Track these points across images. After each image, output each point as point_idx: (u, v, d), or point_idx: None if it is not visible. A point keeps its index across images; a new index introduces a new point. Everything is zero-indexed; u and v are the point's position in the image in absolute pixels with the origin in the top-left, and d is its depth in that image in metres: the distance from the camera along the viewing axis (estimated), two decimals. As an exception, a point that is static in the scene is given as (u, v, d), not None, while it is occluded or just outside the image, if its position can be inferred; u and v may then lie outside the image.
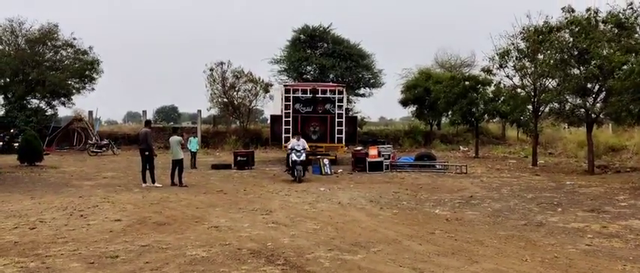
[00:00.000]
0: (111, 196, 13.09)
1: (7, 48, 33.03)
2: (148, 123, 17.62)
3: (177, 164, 15.67)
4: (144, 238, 8.25)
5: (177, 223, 9.51)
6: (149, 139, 15.76)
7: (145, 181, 15.48)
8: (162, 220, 9.88)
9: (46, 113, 34.69)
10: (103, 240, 8.09)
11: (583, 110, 19.38)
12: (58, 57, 34.87)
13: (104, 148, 30.63)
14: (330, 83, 30.18)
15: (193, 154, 22.11)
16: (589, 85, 18.89)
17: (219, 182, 16.53)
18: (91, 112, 36.39)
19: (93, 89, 36.19)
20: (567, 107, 20.21)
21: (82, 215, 10.34)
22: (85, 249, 7.50)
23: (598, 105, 19.11)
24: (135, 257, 7.04)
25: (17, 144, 24.30)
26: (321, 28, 39.08)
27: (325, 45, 38.95)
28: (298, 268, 6.55)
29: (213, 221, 9.74)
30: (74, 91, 35.17)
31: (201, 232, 8.77)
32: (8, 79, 32.84)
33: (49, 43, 33.91)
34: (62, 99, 35.23)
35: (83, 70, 34.81)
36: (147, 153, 15.59)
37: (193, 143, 22.71)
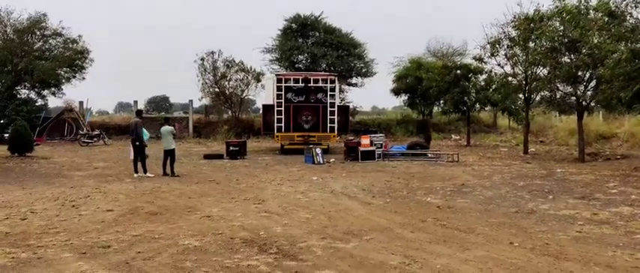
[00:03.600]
0: (102, 187, 13.03)
1: (-5, 38, 32.68)
2: (139, 113, 17.52)
3: (169, 154, 15.63)
4: (136, 228, 8.23)
5: (169, 213, 9.49)
6: (139, 129, 15.72)
7: (136, 172, 15.44)
8: (154, 209, 9.86)
9: (36, 103, 34.47)
10: (95, 230, 8.07)
11: (574, 98, 19.48)
12: (46, 46, 34.56)
13: (95, 139, 30.54)
14: (322, 72, 30.15)
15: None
16: (580, 73, 18.95)
17: (211, 172, 16.49)
18: (81, 103, 36.20)
19: (83, 78, 35.94)
20: (558, 95, 20.32)
21: (73, 205, 10.30)
22: (76, 239, 7.47)
23: (588, 93, 19.21)
24: (127, 247, 7.03)
25: (7, 135, 24.10)
26: (313, 17, 38.96)
27: (317, 34, 38.85)
28: (291, 257, 6.56)
29: (205, 211, 9.72)
30: (64, 80, 34.91)
31: (193, 221, 8.76)
32: (-4, 69, 32.54)
33: (37, 33, 33.58)
34: (52, 89, 34.98)
35: (72, 59, 34.53)
36: (138, 143, 15.57)
37: (146, 135, 21.05)
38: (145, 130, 20.03)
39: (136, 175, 15.29)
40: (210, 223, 8.65)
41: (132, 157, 16.08)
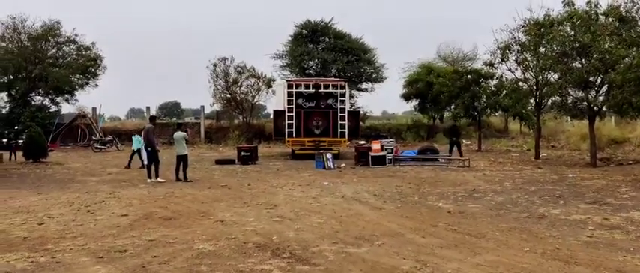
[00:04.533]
0: (117, 192, 13.22)
1: (9, 45, 33.19)
2: (152, 119, 17.72)
3: (182, 160, 15.79)
4: (151, 232, 8.37)
5: (183, 218, 9.63)
6: (150, 135, 15.86)
7: (150, 177, 15.61)
8: (168, 215, 10.00)
9: (50, 110, 34.91)
10: (111, 235, 8.21)
11: (585, 103, 19.42)
12: (60, 53, 35.06)
13: (108, 145, 30.87)
14: (333, 78, 30.26)
15: (135, 153, 19.83)
16: (591, 78, 18.91)
17: (223, 177, 16.64)
18: (94, 109, 36.61)
19: (96, 85, 36.48)
20: (569, 100, 20.27)
21: (89, 211, 10.47)
22: (93, 243, 7.62)
23: (600, 98, 19.16)
24: (143, 251, 7.16)
25: (21, 141, 24.44)
26: (323, 23, 39.14)
27: (327, 40, 39.02)
28: (303, 261, 6.66)
29: (218, 216, 9.85)
30: (77, 87, 35.38)
31: (207, 226, 8.89)
32: (12, 76, 33.04)
33: (51, 40, 34.08)
34: (66, 95, 35.45)
35: (86, 66, 35.01)
36: (149, 149, 15.72)
37: (135, 142, 19.99)
38: (137, 137, 19.94)
39: (149, 180, 15.45)
40: (224, 227, 8.77)
41: (146, 162, 16.18)
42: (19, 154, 23.02)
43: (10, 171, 18.95)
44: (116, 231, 8.52)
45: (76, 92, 35.77)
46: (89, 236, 8.12)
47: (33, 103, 34.04)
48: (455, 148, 23.66)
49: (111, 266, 6.44)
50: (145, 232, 8.43)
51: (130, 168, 19.44)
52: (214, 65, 35.42)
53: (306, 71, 37.95)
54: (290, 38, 39.82)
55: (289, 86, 23.77)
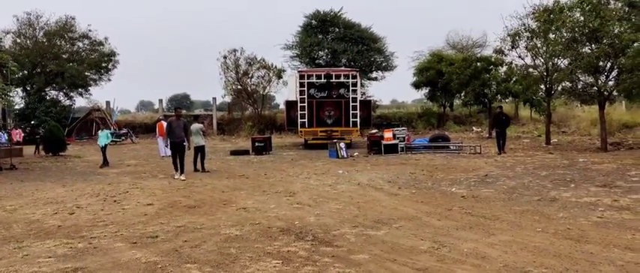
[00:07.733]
0: (138, 183, 13.63)
1: (26, 41, 33.75)
2: (176, 110, 16.75)
3: (199, 151, 16.16)
4: (178, 219, 8.75)
5: (206, 206, 10.01)
6: (173, 128, 14.99)
7: (176, 171, 14.85)
8: (191, 203, 10.38)
9: (63, 104, 35.50)
10: (141, 222, 8.60)
11: (595, 88, 19.60)
12: (74, 49, 35.60)
13: (123, 137, 31.36)
14: (344, 68, 30.54)
15: (102, 150, 18.79)
16: (601, 64, 19.08)
17: (239, 167, 17.03)
18: (108, 102, 37.12)
19: (109, 80, 37.02)
20: (579, 86, 20.45)
21: (115, 201, 10.87)
22: (125, 230, 8.01)
23: (610, 83, 19.33)
24: (173, 237, 7.54)
25: (38, 136, 24.99)
26: (332, 13, 39.35)
27: (337, 29, 39.25)
28: (326, 243, 7.01)
29: (240, 203, 10.22)
30: (92, 82, 35.95)
31: (230, 213, 9.26)
32: (27, 72, 33.61)
33: (66, 36, 34.59)
34: (80, 90, 36.03)
35: (100, 61, 35.52)
36: (178, 141, 14.86)
37: (102, 137, 18.97)
38: (105, 131, 19.32)
39: (176, 175, 14.67)
40: (247, 214, 9.14)
41: (167, 154, 15.59)
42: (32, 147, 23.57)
43: (31, 164, 19.46)
44: (144, 219, 8.91)
45: (90, 87, 36.38)
46: (120, 224, 8.51)
47: (48, 98, 34.64)
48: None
49: (146, 250, 6.81)
50: (172, 219, 8.82)
51: (108, 165, 18.36)
52: (225, 57, 35.80)
53: (317, 61, 38.24)
54: (300, 29, 40.09)
55: (301, 77, 24.11)
